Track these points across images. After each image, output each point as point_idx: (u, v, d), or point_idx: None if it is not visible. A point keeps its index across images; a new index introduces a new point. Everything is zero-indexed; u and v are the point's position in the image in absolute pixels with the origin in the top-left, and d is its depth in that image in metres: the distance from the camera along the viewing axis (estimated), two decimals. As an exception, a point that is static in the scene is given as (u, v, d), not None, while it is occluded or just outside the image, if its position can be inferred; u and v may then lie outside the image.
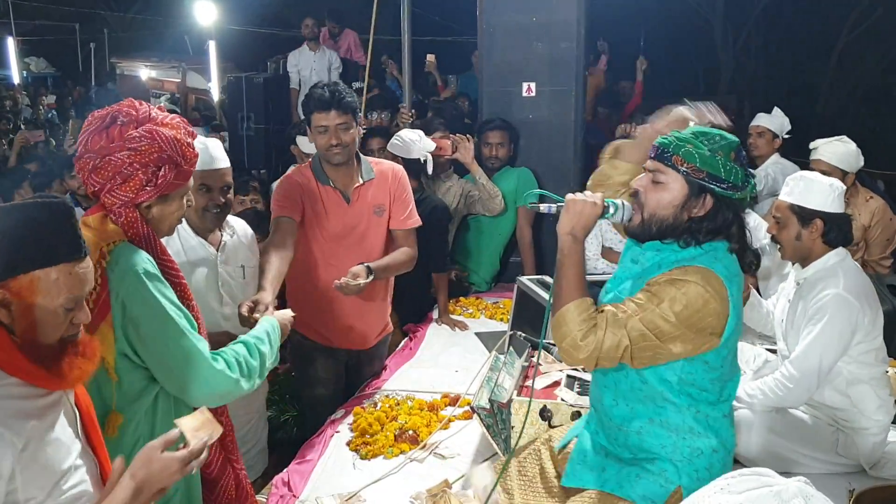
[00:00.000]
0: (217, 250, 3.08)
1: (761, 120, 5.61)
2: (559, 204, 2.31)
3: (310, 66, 8.58)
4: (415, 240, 3.68)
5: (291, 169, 3.80)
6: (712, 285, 2.15)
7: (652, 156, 2.26)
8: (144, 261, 2.16)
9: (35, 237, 1.71)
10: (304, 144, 5.25)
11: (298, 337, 3.64)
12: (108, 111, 2.21)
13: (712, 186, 2.18)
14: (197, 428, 1.92)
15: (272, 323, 2.59)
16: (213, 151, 3.00)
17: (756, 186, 2.27)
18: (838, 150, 4.67)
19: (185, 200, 2.33)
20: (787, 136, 5.58)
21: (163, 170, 2.19)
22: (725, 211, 2.21)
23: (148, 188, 2.18)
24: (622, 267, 2.42)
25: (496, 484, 2.57)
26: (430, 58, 8.21)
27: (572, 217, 2.26)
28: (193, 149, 2.28)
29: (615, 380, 2.31)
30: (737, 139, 2.25)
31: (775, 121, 5.55)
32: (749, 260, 2.29)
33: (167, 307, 2.16)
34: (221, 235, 3.12)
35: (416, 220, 3.71)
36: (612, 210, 2.29)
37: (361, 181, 3.53)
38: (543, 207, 2.36)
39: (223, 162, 3.05)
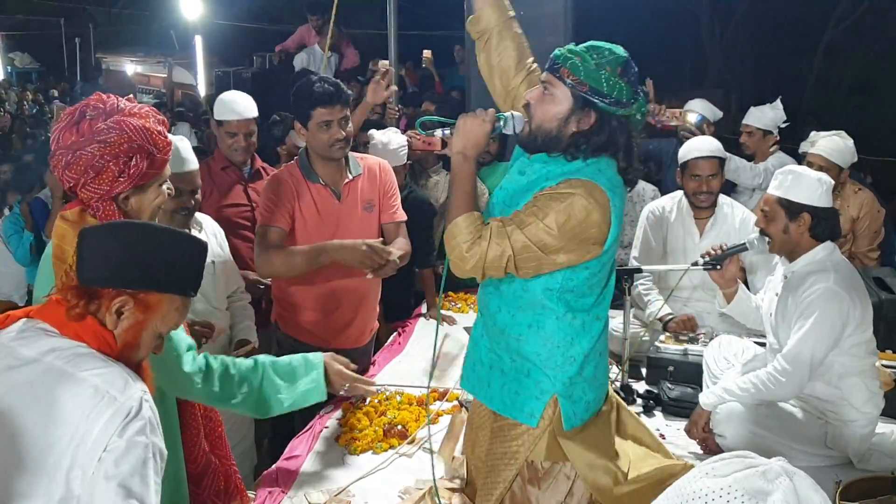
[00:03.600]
0: None
1: (749, 118, 5.50)
2: (452, 127, 2.35)
3: (318, 66, 8.38)
4: (406, 232, 3.67)
5: (279, 168, 3.77)
6: (594, 196, 2.19)
7: (546, 67, 2.30)
8: None
9: (185, 266, 1.81)
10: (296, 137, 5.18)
11: (291, 341, 3.60)
12: (77, 107, 2.20)
13: (594, 100, 2.21)
14: None
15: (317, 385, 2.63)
16: (183, 153, 3.02)
17: (647, 105, 2.32)
18: (838, 146, 4.67)
19: (164, 188, 2.31)
20: (784, 126, 5.47)
21: (134, 160, 2.16)
22: (610, 126, 2.24)
23: (122, 179, 2.16)
24: (509, 178, 2.46)
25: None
26: (427, 53, 8.13)
27: (462, 136, 2.31)
28: (165, 136, 2.26)
29: (500, 286, 2.40)
30: (625, 54, 2.26)
31: (764, 117, 5.43)
32: (630, 177, 2.35)
33: None
34: (189, 231, 3.13)
35: (403, 214, 3.70)
36: (501, 123, 2.32)
37: (350, 177, 3.50)
38: (438, 133, 2.38)
39: (193, 164, 3.09)
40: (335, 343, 3.61)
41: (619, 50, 2.26)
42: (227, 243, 3.41)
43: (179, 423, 2.36)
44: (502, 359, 2.44)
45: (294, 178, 3.45)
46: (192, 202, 3.07)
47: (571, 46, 2.28)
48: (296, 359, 2.65)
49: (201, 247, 1.86)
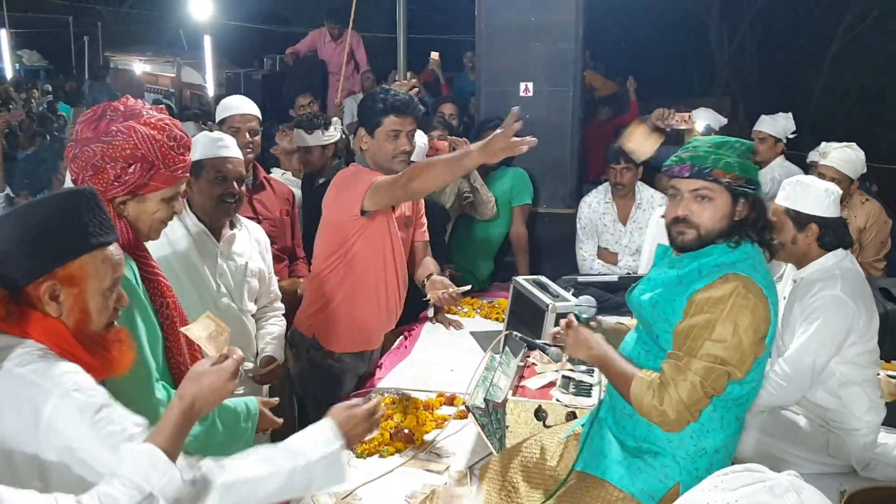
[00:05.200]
0: (220, 241, 3.14)
1: (763, 125, 5.54)
2: (561, 355, 2.52)
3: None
4: (431, 251, 3.69)
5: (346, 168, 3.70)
6: (752, 291, 2.21)
7: (687, 175, 2.33)
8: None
9: (77, 224, 1.74)
10: (300, 137, 5.10)
11: (330, 361, 3.60)
12: (103, 105, 2.19)
13: (749, 190, 2.31)
14: (212, 333, 1.79)
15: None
16: (227, 141, 3.11)
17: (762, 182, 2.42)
18: (850, 157, 4.68)
19: (171, 205, 2.27)
20: (792, 136, 5.53)
21: (133, 168, 2.13)
22: (763, 206, 2.35)
23: (116, 184, 2.13)
24: (658, 269, 2.49)
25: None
26: (435, 56, 8.04)
27: (577, 349, 2.45)
28: (178, 152, 2.21)
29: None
30: (749, 142, 2.38)
31: (777, 125, 5.49)
32: (772, 241, 2.43)
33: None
34: (231, 230, 3.18)
35: (427, 234, 3.73)
36: (585, 316, 2.56)
37: None
38: (552, 353, 2.54)
39: (236, 151, 3.15)
40: (361, 346, 3.68)
41: (740, 139, 2.38)
42: (269, 254, 3.39)
43: None
44: (626, 441, 2.41)
45: None
46: (238, 189, 3.11)
47: (703, 146, 2.34)
48: (238, 404, 2.47)
49: (82, 194, 1.79)
